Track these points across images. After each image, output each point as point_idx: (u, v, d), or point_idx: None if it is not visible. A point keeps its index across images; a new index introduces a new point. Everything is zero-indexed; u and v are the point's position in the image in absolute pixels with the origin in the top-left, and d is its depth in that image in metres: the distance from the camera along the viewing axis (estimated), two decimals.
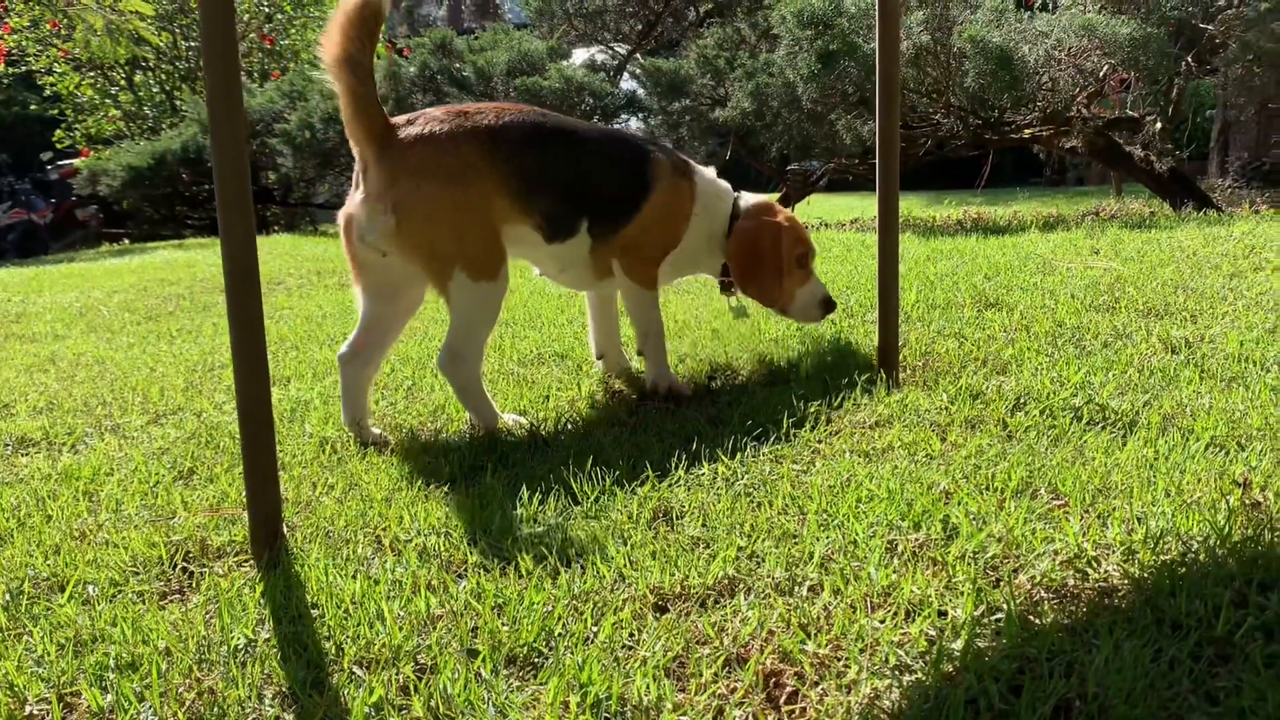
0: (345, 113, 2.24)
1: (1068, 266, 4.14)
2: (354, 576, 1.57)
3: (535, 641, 1.33)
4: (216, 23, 1.59)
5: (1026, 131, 7.16)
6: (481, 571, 1.56)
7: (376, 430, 2.44)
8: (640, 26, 10.87)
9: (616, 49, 11.19)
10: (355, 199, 2.32)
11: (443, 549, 1.66)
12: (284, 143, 10.37)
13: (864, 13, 6.80)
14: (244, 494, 1.76)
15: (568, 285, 2.80)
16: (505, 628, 1.37)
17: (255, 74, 16.70)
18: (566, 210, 2.48)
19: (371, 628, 1.40)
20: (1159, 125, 6.98)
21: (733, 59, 9.43)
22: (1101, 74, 6.77)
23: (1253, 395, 2.24)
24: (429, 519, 1.79)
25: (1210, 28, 6.37)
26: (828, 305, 2.85)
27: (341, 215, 2.37)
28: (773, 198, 2.92)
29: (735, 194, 2.85)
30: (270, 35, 17.32)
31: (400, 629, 1.38)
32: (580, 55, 11.43)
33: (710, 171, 2.82)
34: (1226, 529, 1.51)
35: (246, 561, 1.73)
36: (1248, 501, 1.61)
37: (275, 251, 8.09)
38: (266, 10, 17.37)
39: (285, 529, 1.78)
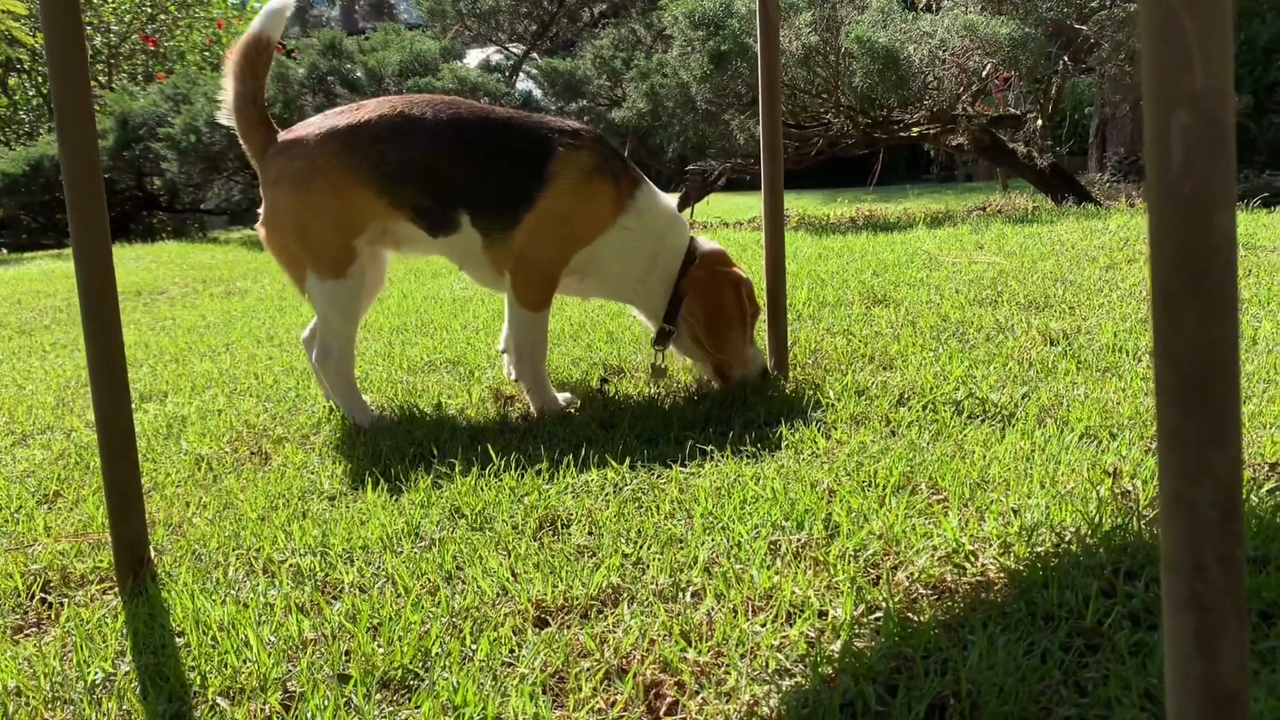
0: (240, 138, 2.50)
1: (953, 261, 4.23)
2: (223, 601, 1.50)
3: (410, 663, 1.29)
4: (60, 19, 1.50)
5: (914, 130, 7.32)
6: (358, 591, 1.51)
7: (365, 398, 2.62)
8: (535, 27, 10.81)
9: (511, 49, 11.11)
10: None
11: (318, 569, 1.61)
12: (168, 147, 10.03)
13: (754, 14, 6.86)
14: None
15: (480, 284, 2.69)
16: (380, 650, 1.32)
17: (139, 76, 16.12)
18: (438, 202, 2.43)
19: (239, 655, 1.34)
20: (1039, 122, 7.20)
21: (629, 59, 9.44)
22: (984, 73, 6.95)
23: (1125, 385, 2.31)
24: (304, 538, 1.72)
25: (1084, 28, 6.60)
26: (765, 374, 2.59)
27: None
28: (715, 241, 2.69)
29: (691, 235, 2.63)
30: (153, 36, 16.74)
31: (269, 655, 1.33)
32: (475, 56, 11.31)
33: (666, 199, 2.61)
34: (1097, 518, 1.54)
35: (110, 589, 1.65)
36: (1117, 490, 1.65)
37: (160, 259, 7.82)
38: (149, 10, 16.78)
39: (153, 553, 1.70)
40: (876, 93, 6.67)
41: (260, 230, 2.48)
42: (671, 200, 2.65)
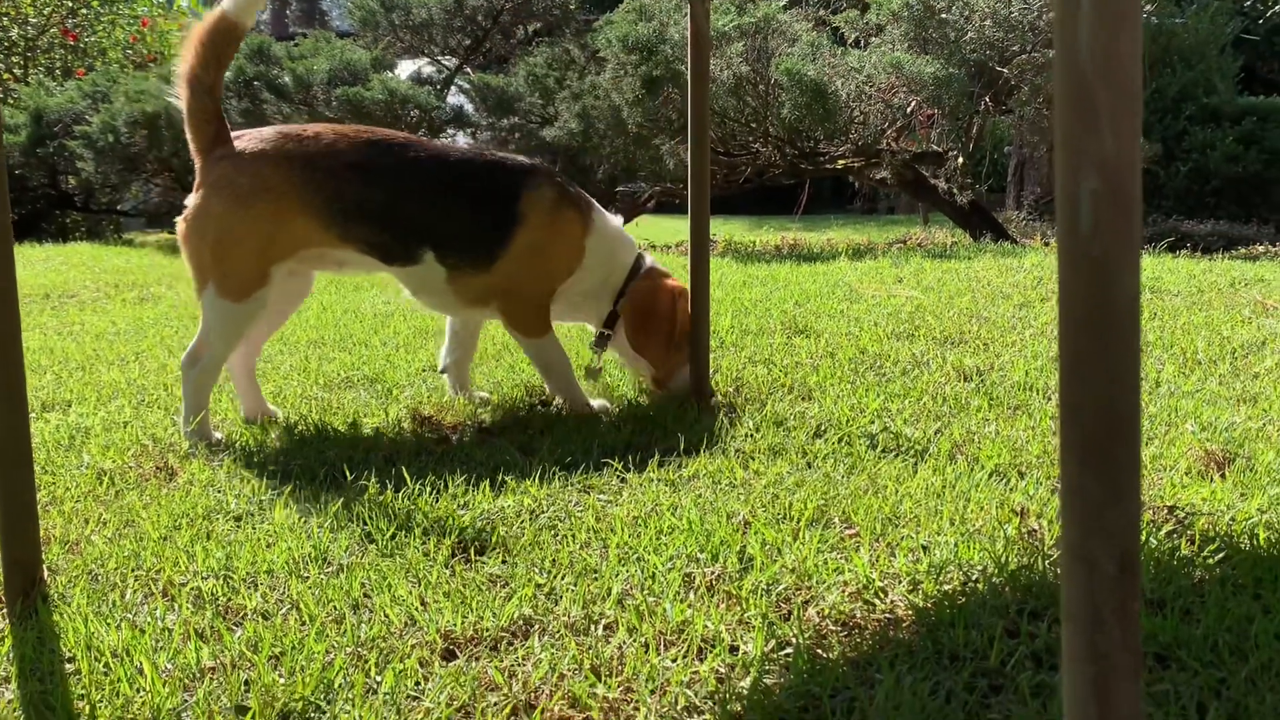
0: (186, 125, 2.39)
1: (873, 294, 4.31)
2: (118, 626, 1.45)
3: (312, 695, 1.26)
4: None
5: (840, 162, 7.45)
6: (260, 618, 1.47)
7: (274, 409, 2.65)
8: (468, 41, 10.76)
9: (444, 62, 11.04)
10: None
11: (220, 593, 1.56)
12: (85, 146, 9.73)
13: (687, 41, 6.94)
14: None
15: (428, 309, 2.68)
16: (281, 680, 1.29)
17: (57, 71, 15.63)
18: (396, 240, 2.45)
19: (132, 684, 1.29)
20: (960, 160, 7.39)
21: (562, 78, 9.45)
22: (909, 110, 7.12)
23: (1034, 423, 2.37)
24: (208, 560, 1.67)
25: (1006, 71, 6.79)
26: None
27: None
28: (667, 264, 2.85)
29: (639, 250, 2.77)
30: (74, 31, 16.25)
31: (164, 685, 1.28)
32: (407, 67, 11.20)
33: (614, 218, 2.73)
34: (1004, 558, 1.57)
35: None
36: (1024, 530, 1.69)
37: (72, 261, 7.57)
38: (70, 4, 16.29)
39: (46, 572, 1.64)
40: (804, 124, 6.78)
41: (180, 226, 2.39)
42: (618, 219, 2.76)
